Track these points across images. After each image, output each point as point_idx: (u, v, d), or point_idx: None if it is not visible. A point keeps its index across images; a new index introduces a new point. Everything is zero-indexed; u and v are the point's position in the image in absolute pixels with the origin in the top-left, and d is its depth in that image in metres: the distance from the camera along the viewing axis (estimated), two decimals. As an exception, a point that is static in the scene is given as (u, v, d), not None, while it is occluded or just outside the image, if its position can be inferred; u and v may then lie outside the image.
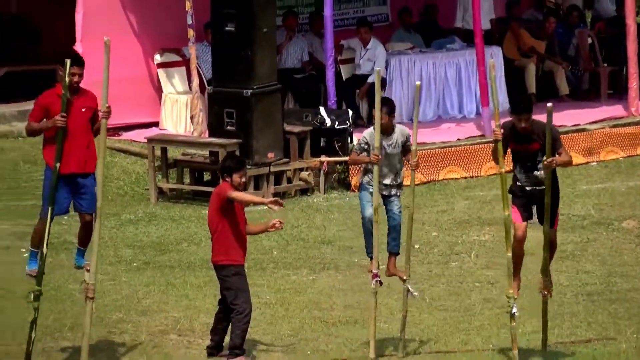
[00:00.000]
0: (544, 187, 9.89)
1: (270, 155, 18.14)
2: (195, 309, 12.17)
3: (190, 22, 19.85)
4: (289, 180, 18.30)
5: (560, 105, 21.49)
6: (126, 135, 20.85)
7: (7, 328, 11.58)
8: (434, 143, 20.13)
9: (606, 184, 18.73)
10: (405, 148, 10.93)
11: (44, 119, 10.27)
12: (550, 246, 10.36)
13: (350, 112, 19.91)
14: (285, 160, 18.46)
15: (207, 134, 19.86)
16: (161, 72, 21.96)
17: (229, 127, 18.91)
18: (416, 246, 15.06)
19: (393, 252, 11.18)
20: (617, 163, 20.53)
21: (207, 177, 19.05)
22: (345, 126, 19.40)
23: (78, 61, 11.28)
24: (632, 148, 20.83)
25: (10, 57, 21.89)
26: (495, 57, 21.64)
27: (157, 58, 21.75)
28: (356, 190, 17.60)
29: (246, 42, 18.78)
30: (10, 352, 10.89)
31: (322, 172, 18.54)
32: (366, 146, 10.92)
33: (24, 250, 14.68)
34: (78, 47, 19.82)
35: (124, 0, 21.38)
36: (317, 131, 19.03)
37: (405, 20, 24.23)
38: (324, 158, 18.70)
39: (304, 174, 18.62)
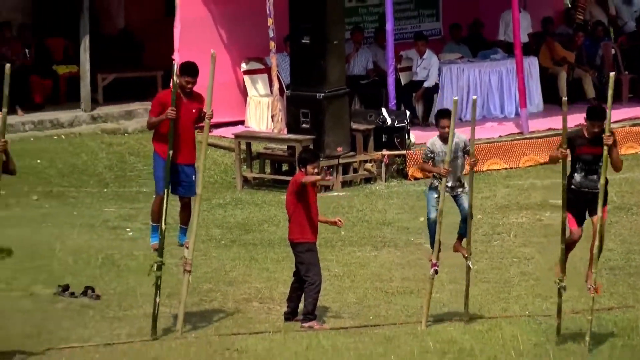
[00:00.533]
0: (597, 190, 9.61)
1: (339, 149, 18.23)
2: (275, 280, 12.30)
3: (272, 35, 19.76)
4: (355, 170, 18.39)
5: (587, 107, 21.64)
6: (216, 132, 20.26)
7: (113, 297, 11.90)
8: (479, 139, 19.28)
9: (626, 175, 18.11)
10: (465, 152, 11.01)
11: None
12: (600, 237, 10.07)
13: (408, 113, 19.97)
14: (352, 153, 18.53)
15: (285, 131, 19.71)
16: (246, 78, 21.94)
17: (304, 125, 18.94)
18: (464, 227, 16.06)
19: (463, 235, 11.26)
20: (636, 157, 20.36)
21: (285, 167, 19.09)
22: (404, 124, 19.53)
23: (192, 71, 11.49)
24: (649, 144, 22.07)
25: (118, 65, 22.31)
26: (532, 66, 22.24)
27: (243, 66, 21.78)
28: (412, 180, 18.41)
29: (319, 53, 18.77)
30: (121, 317, 11.08)
31: (383, 163, 18.67)
32: (431, 154, 11.02)
33: (128, 229, 15.49)
34: (176, 57, 20.10)
35: (214, 16, 21.43)
36: (379, 129, 19.10)
37: (455, 34, 24.11)
38: (385, 152, 18.91)
39: (368, 165, 18.65)
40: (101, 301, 11.83)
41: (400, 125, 19.78)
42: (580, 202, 10.04)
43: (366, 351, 10.26)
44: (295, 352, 10.20)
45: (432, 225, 10.97)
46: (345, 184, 18.92)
